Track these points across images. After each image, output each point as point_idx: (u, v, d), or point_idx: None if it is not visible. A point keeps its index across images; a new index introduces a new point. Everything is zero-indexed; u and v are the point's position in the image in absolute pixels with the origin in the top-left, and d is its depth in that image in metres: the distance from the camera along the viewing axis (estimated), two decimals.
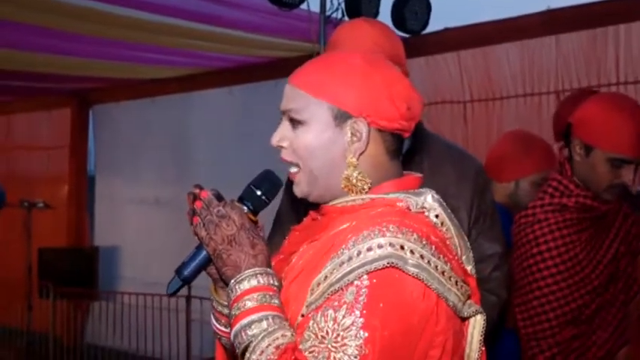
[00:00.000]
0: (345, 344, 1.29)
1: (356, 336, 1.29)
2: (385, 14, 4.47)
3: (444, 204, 1.50)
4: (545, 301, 2.64)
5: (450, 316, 1.40)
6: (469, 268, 1.52)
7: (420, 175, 1.59)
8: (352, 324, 1.30)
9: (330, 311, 1.33)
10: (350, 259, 1.36)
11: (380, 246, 1.34)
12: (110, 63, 6.64)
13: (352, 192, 1.50)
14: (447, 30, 5.46)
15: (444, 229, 1.48)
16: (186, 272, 1.53)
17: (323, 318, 1.33)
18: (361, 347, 1.29)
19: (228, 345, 1.63)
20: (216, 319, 1.65)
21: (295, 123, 1.52)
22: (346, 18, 4.35)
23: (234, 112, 7.06)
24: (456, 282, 1.41)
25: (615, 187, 2.64)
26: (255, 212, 1.54)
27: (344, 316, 1.31)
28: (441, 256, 1.39)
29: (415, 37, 4.71)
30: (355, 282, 1.33)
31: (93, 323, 8.00)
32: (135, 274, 7.78)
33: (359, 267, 1.34)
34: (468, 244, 1.54)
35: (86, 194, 8.77)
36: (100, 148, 8.71)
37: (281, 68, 6.33)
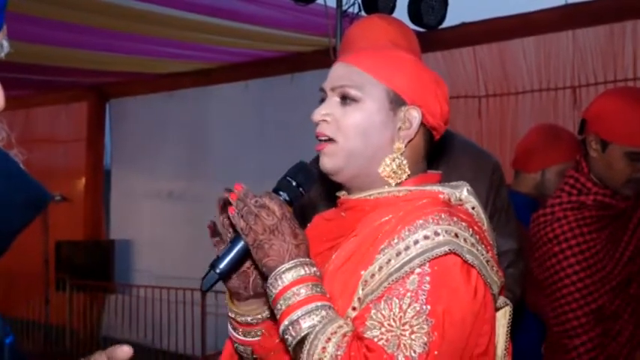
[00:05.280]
0: (413, 331, 1.31)
1: (423, 323, 1.31)
2: (402, 9, 4.45)
3: (477, 198, 1.54)
4: (571, 299, 2.61)
5: (493, 305, 1.44)
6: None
7: (439, 172, 1.61)
8: (419, 311, 1.32)
9: (395, 300, 1.34)
10: (407, 248, 1.37)
11: (437, 233, 1.37)
12: (127, 57, 6.66)
13: (390, 178, 1.51)
14: (463, 25, 5.44)
15: (480, 221, 1.52)
16: (222, 266, 1.48)
17: (387, 307, 1.34)
18: (429, 334, 1.31)
19: (245, 353, 1.63)
20: (234, 328, 1.63)
21: (348, 100, 1.53)
22: (363, 13, 4.34)
23: (250, 107, 7.07)
24: (497, 272, 1.44)
25: (634, 181, 2.61)
26: (291, 203, 1.51)
27: (409, 304, 1.33)
28: (484, 245, 1.43)
29: (432, 31, 4.69)
30: (417, 270, 1.35)
31: (109, 316, 8.05)
32: (150, 267, 7.82)
33: (419, 255, 1.36)
34: (494, 236, 1.58)
35: (102, 188, 8.81)
36: (117, 142, 8.75)
37: (297, 63, 6.35)
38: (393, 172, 1.51)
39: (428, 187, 1.51)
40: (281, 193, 1.51)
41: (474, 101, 5.49)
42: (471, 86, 5.49)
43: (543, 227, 2.71)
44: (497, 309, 1.50)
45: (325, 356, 1.33)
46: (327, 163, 1.55)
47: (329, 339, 1.34)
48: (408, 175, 1.52)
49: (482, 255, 1.40)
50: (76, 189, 8.51)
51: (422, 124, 1.52)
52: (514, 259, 2.39)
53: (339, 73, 1.56)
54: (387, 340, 1.31)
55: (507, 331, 1.55)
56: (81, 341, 7.48)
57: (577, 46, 4.98)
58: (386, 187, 1.52)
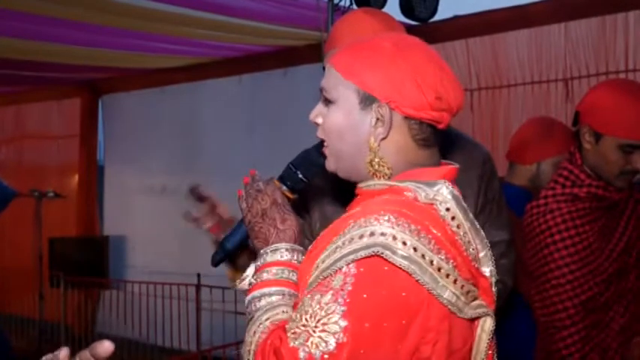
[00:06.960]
0: (324, 330, 1.29)
1: (336, 323, 1.29)
2: (393, 1, 4.45)
3: (460, 198, 1.45)
4: (562, 290, 2.62)
5: (445, 314, 1.36)
6: (486, 268, 1.49)
7: (456, 165, 1.55)
8: (334, 311, 1.30)
9: (318, 295, 1.33)
10: (343, 244, 1.36)
11: (372, 234, 1.33)
12: (120, 53, 6.65)
13: (376, 176, 1.50)
14: (456, 18, 5.45)
15: (455, 223, 1.42)
16: (229, 244, 1.61)
17: (310, 301, 1.34)
18: (339, 335, 1.28)
19: None
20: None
21: (327, 101, 1.55)
22: (354, 6, 4.34)
23: (244, 101, 7.07)
24: (455, 280, 1.36)
25: (627, 173, 2.61)
26: (293, 191, 1.59)
27: (328, 302, 1.31)
28: (443, 251, 1.35)
29: (423, 25, 4.69)
30: (343, 269, 1.33)
31: (104, 312, 8.04)
32: (144, 263, 7.81)
33: (348, 254, 1.34)
34: (486, 241, 1.50)
35: (96, 184, 8.79)
36: (110, 138, 8.73)
37: (290, 57, 6.35)
38: (375, 170, 1.49)
39: (404, 184, 1.45)
40: (285, 181, 1.60)
41: (465, 94, 5.48)
42: (463, 79, 5.49)
43: (536, 218, 2.71)
44: (472, 319, 1.43)
45: (254, 340, 1.41)
46: (327, 165, 1.59)
47: (260, 324, 1.42)
48: (393, 170, 1.48)
49: (433, 261, 1.33)
50: (70, 185, 8.49)
51: (404, 117, 1.47)
52: (505, 250, 2.40)
53: (325, 73, 1.57)
54: (298, 335, 1.31)
55: (487, 342, 1.48)
56: (76, 337, 7.47)
57: (569, 39, 4.99)
58: (374, 179, 1.51)
